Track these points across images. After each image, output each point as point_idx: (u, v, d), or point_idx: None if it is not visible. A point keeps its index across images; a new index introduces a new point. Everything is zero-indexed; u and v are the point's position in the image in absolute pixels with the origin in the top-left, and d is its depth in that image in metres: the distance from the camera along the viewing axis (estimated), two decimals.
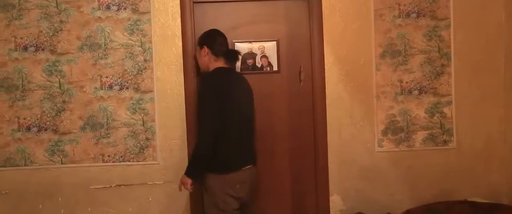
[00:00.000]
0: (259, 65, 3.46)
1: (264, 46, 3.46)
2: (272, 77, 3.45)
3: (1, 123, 3.26)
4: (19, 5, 3.20)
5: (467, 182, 3.47)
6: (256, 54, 3.46)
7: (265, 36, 3.44)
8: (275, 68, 3.45)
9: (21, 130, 3.26)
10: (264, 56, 3.47)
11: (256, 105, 3.05)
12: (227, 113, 2.74)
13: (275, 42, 3.43)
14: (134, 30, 3.25)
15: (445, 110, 3.44)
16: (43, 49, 3.23)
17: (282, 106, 3.47)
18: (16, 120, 3.26)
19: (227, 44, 2.98)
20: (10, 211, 3.30)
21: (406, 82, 3.41)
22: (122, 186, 3.32)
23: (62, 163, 3.29)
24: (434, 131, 3.45)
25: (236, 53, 2.96)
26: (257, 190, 3.42)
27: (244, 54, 3.42)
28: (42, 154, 3.28)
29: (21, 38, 3.22)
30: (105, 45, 3.25)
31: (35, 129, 3.26)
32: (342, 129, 3.40)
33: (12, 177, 3.29)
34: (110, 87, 3.27)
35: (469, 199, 3.38)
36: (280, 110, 3.48)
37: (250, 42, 3.44)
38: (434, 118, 3.44)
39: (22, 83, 3.24)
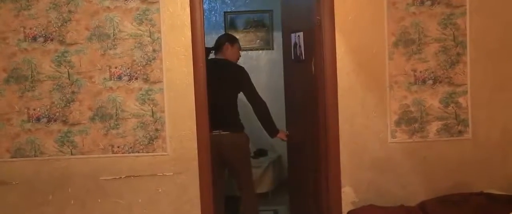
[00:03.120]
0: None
1: (299, 36, 3.85)
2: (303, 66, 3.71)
3: (11, 113, 3.26)
4: None
5: (483, 173, 3.39)
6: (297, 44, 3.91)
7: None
8: (303, 57, 3.73)
9: (31, 120, 3.26)
10: (300, 46, 3.81)
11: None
12: None
13: (302, 32, 3.63)
14: (143, 20, 3.22)
15: (460, 99, 3.35)
16: (52, 40, 3.21)
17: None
18: (26, 110, 3.26)
19: None
20: (20, 201, 3.31)
21: (420, 72, 3.33)
22: (132, 177, 3.31)
23: (71, 154, 3.29)
24: (449, 121, 3.37)
25: None
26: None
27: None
28: (52, 145, 3.28)
29: (30, 29, 3.21)
30: (113, 35, 3.22)
31: (44, 120, 3.26)
32: (354, 119, 3.34)
33: (22, 168, 3.29)
34: (119, 77, 3.25)
35: (485, 191, 3.29)
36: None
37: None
38: (449, 108, 3.36)
39: (32, 74, 3.23)
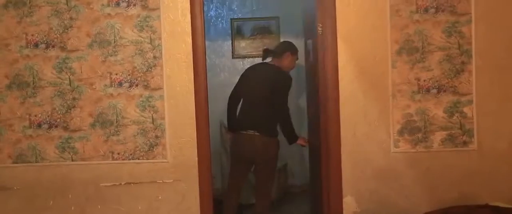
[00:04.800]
0: None
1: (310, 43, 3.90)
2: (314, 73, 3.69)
3: (13, 119, 3.28)
4: (30, 2, 3.21)
5: (488, 185, 3.31)
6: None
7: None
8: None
9: (32, 126, 3.28)
10: (311, 53, 3.90)
11: None
12: None
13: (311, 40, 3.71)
14: (144, 26, 3.22)
15: (466, 109, 3.29)
16: (53, 46, 3.23)
17: None
18: (28, 116, 3.28)
19: None
20: (22, 206, 3.33)
21: (424, 81, 3.27)
22: (132, 184, 3.30)
23: (72, 160, 3.29)
24: (453, 132, 3.30)
25: None
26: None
27: None
28: (53, 151, 3.29)
29: (32, 35, 3.23)
30: (114, 42, 3.23)
31: (46, 126, 3.27)
32: (356, 128, 3.29)
33: (24, 173, 3.31)
34: (120, 84, 3.25)
35: (490, 204, 3.21)
36: None
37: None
38: (454, 118, 3.29)
39: (33, 80, 3.25)
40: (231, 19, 5.77)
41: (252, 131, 3.90)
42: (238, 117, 4.06)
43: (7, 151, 3.29)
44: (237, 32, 5.78)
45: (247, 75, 4.07)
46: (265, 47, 3.67)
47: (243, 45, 5.82)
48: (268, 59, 4.10)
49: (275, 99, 3.91)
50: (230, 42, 5.78)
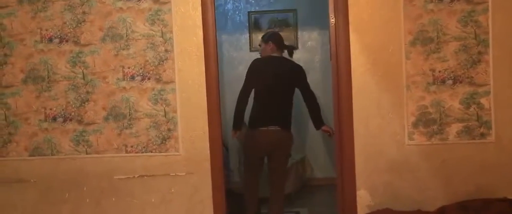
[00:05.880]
0: None
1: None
2: None
3: (29, 113, 3.34)
4: None
5: (506, 178, 3.22)
6: None
7: None
8: None
9: (47, 120, 3.33)
10: None
11: None
12: None
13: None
14: (155, 20, 3.24)
15: (483, 100, 3.20)
16: (67, 41, 3.28)
17: None
18: (43, 110, 3.33)
19: None
20: (38, 199, 3.39)
21: (439, 72, 3.20)
22: (145, 177, 3.33)
23: (86, 153, 3.34)
24: (470, 123, 3.22)
25: None
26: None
27: None
28: (68, 144, 3.34)
29: (46, 30, 3.28)
30: (126, 36, 3.25)
31: (60, 119, 3.33)
32: (369, 120, 3.24)
33: (40, 166, 3.37)
34: (132, 78, 3.27)
35: (509, 197, 3.13)
36: None
37: None
38: (470, 109, 3.21)
39: (48, 74, 3.30)
40: (248, 12, 5.76)
41: (274, 127, 3.98)
42: (257, 113, 4.07)
43: (23, 144, 3.36)
44: (254, 25, 5.77)
45: (260, 70, 4.06)
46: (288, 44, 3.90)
47: (260, 38, 5.80)
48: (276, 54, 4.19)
49: (303, 88, 4.12)
50: (248, 35, 5.78)
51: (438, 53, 3.19)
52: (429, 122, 3.23)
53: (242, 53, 5.74)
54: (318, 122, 4.15)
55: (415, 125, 3.24)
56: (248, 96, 4.07)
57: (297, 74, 4.12)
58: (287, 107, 4.11)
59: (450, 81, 3.20)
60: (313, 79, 5.68)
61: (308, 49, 5.82)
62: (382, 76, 3.22)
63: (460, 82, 3.20)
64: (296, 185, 5.22)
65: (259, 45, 4.29)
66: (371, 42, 3.20)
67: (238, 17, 5.77)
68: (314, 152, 5.79)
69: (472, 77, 3.20)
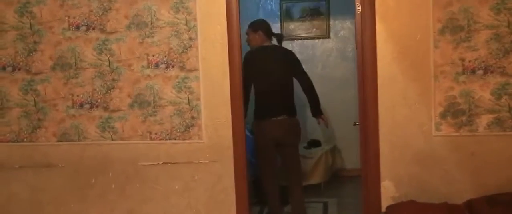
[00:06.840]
0: None
1: None
2: None
3: (57, 99, 3.41)
4: None
5: None
6: None
7: None
8: None
9: (74, 106, 3.40)
10: None
11: None
12: None
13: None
14: (179, 8, 3.24)
15: None
16: (93, 28, 3.32)
17: None
18: (70, 97, 3.40)
19: None
20: (66, 183, 3.47)
21: (469, 61, 3.09)
22: (169, 164, 3.36)
23: (112, 140, 3.39)
24: (501, 115, 3.11)
25: None
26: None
27: None
28: (94, 130, 3.40)
29: (74, 18, 3.33)
30: (151, 23, 3.27)
31: (87, 106, 3.38)
32: (395, 110, 3.17)
33: (68, 152, 3.45)
34: (156, 65, 3.29)
35: None
36: None
37: None
38: (502, 100, 3.10)
39: (75, 62, 3.36)
40: (280, 0, 5.72)
41: (282, 116, 4.01)
42: (263, 104, 4.06)
43: (52, 130, 3.44)
44: (286, 14, 5.73)
45: (257, 62, 4.05)
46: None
47: (292, 27, 5.76)
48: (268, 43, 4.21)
49: (298, 74, 4.14)
50: (279, 24, 5.74)
51: (468, 42, 3.08)
52: (457, 113, 3.14)
53: (273, 42, 5.69)
54: (317, 108, 4.21)
55: (443, 115, 3.15)
56: (249, 91, 4.06)
57: (292, 60, 4.15)
58: (289, 94, 4.11)
59: (481, 71, 3.09)
60: (346, 69, 5.64)
61: (340, 39, 5.74)
62: (409, 65, 3.14)
63: (491, 72, 3.09)
64: (326, 175, 5.18)
65: (246, 33, 4.22)
66: (398, 30, 3.12)
67: (269, 6, 5.73)
68: (345, 143, 5.73)
69: (504, 67, 3.08)
